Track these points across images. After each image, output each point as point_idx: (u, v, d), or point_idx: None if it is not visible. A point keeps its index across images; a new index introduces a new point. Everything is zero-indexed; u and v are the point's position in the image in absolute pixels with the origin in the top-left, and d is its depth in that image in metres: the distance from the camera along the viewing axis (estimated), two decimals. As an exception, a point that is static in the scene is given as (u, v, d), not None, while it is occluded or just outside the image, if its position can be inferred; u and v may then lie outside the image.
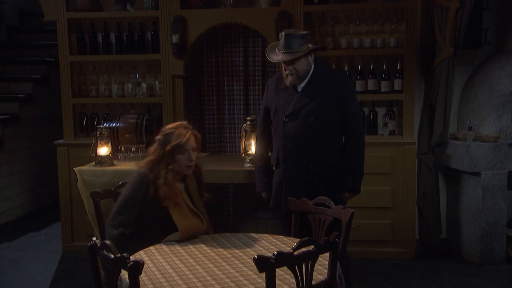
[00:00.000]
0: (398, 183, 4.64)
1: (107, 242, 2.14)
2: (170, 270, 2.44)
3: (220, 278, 2.34)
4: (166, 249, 2.74)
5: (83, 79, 5.09)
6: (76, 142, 4.96)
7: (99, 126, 4.05)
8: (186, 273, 2.40)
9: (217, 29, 4.92)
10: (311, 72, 3.34)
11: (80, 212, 4.82)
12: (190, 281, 2.31)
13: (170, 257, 2.62)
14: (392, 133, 4.78)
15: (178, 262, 2.55)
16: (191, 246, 2.78)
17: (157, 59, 4.90)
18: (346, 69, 4.76)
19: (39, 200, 6.40)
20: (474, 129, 4.54)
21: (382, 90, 4.71)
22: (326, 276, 2.32)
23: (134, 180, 2.96)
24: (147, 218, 2.92)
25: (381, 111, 4.86)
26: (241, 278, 2.33)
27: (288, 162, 3.35)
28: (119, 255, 2.06)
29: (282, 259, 2.07)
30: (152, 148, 3.00)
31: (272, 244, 2.81)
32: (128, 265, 2.01)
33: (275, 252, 2.05)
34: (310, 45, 3.28)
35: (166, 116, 4.88)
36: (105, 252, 2.15)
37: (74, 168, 3.70)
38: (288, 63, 3.27)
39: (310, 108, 3.29)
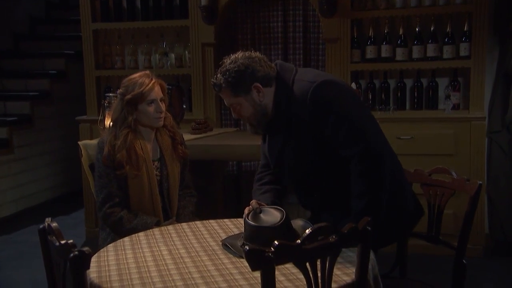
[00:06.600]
0: (463, 166, 3.87)
1: (53, 225, 1.65)
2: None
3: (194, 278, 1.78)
4: (143, 239, 2.20)
5: (108, 49, 4.66)
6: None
7: (107, 94, 3.56)
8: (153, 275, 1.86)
9: (252, -10, 4.35)
10: (271, 109, 2.23)
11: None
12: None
13: (143, 252, 2.08)
14: (456, 107, 4.04)
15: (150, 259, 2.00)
16: (188, 233, 2.24)
17: (185, 25, 4.39)
18: (401, 32, 4.06)
19: (72, 183, 6.05)
20: (560, 101, 3.75)
21: (445, 56, 3.98)
22: (353, 277, 1.70)
23: (96, 152, 2.65)
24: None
25: (443, 82, 4.12)
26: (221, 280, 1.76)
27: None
28: (64, 241, 1.55)
29: (286, 252, 1.48)
30: (113, 104, 2.67)
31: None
32: (71, 255, 1.48)
33: (276, 243, 1.46)
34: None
35: (196, 89, 4.38)
36: (53, 238, 1.64)
37: (79, 142, 3.28)
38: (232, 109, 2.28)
39: (288, 154, 2.27)
